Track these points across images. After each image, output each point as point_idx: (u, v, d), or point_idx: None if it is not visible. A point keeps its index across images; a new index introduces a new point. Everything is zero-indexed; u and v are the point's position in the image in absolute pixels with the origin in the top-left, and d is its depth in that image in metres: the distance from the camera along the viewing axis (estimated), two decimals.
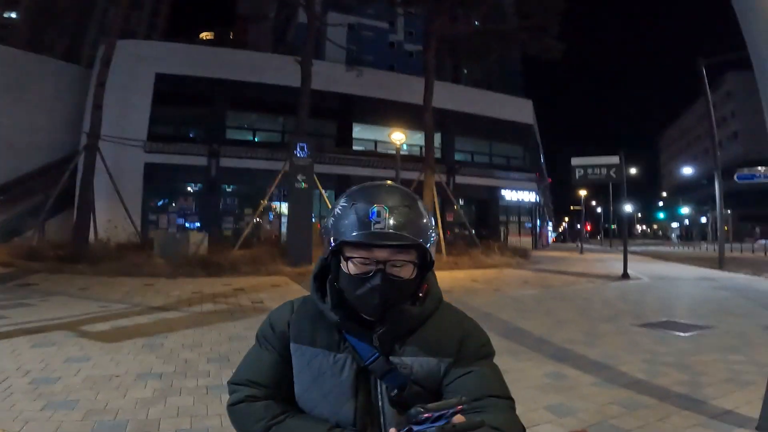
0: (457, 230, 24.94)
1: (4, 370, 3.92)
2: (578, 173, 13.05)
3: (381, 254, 1.03)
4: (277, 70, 20.88)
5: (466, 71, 31.32)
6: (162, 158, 20.40)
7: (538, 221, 32.96)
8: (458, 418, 0.84)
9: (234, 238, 17.46)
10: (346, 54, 23.72)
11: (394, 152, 15.04)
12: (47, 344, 4.84)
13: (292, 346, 1.13)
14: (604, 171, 12.99)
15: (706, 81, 16.38)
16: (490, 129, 27.55)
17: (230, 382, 1.16)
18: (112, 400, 3.39)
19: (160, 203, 21.93)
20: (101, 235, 15.45)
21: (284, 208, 19.17)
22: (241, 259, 13.29)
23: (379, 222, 1.02)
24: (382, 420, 1.07)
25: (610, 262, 19.25)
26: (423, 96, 18.12)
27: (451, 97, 25.27)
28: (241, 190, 22.72)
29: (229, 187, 22.67)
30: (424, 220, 1.08)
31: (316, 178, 14.89)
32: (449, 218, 25.21)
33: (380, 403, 1.07)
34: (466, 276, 13.20)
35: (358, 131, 25.15)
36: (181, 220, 21.57)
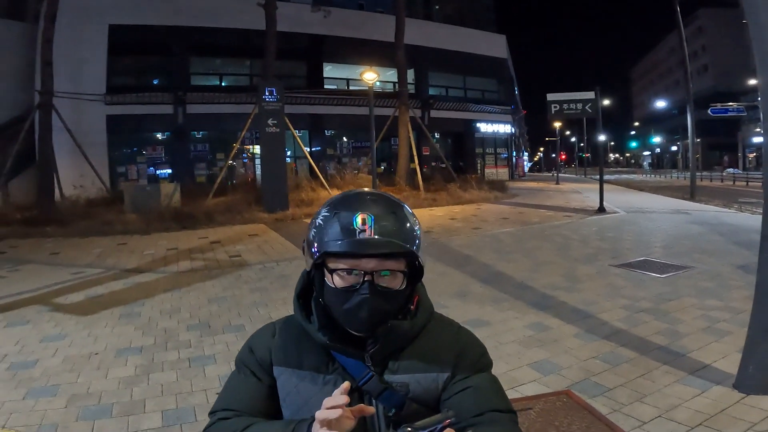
0: (434, 164, 24.98)
1: None
2: (554, 108, 12.94)
3: (368, 264, 0.97)
4: (240, 13, 19.99)
5: (437, 7, 30.35)
6: (124, 109, 19.61)
7: (513, 152, 33.18)
8: None
9: (208, 185, 17.20)
10: None
11: (366, 89, 14.66)
12: (21, 322, 4.74)
13: (276, 369, 1.07)
14: (579, 106, 12.89)
15: (680, 16, 16.41)
16: (463, 64, 27.50)
17: (209, 413, 1.10)
18: (94, 381, 3.36)
19: (127, 155, 21.26)
20: (68, 194, 14.99)
21: (258, 149, 18.86)
22: (216, 209, 13.14)
23: (363, 230, 0.96)
24: None
25: (586, 192, 19.55)
26: (394, 34, 17.52)
27: (423, 33, 24.93)
28: (211, 136, 22.20)
29: (198, 133, 22.12)
30: (410, 226, 1.02)
31: (287, 120, 14.54)
32: (425, 152, 25.20)
33: (377, 425, 1.02)
34: (445, 213, 13.30)
35: (329, 70, 24.51)
36: (151, 170, 21.10)
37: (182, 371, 3.53)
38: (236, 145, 16.64)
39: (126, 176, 20.41)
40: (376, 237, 0.96)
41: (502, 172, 29.56)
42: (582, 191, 20.94)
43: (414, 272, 1.06)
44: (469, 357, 1.09)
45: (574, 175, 43.56)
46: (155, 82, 21.63)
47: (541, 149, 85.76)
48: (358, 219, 0.97)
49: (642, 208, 14.08)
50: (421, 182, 17.51)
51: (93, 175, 15.94)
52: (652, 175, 42.66)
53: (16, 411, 2.93)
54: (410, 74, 24.61)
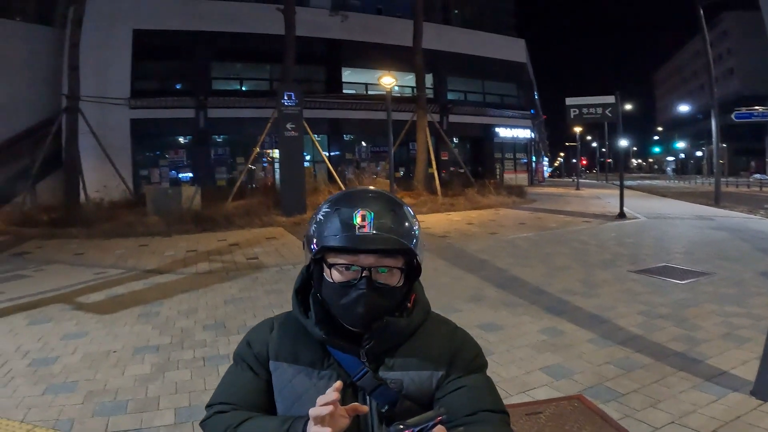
0: (452, 169, 24.90)
1: (4, 353, 3.96)
2: (573, 113, 12.81)
3: (366, 260, 0.99)
4: (260, 18, 20.33)
5: (456, 12, 30.27)
6: (148, 113, 20.03)
7: (533, 157, 32.88)
8: (439, 430, 0.82)
9: (229, 188, 17.42)
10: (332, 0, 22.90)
11: (385, 94, 14.75)
12: (44, 320, 4.87)
13: (272, 364, 1.08)
14: (599, 110, 12.74)
15: (704, 19, 16.13)
16: (482, 68, 27.38)
17: (206, 406, 1.12)
18: (111, 378, 3.44)
19: (150, 158, 21.69)
20: (92, 196, 15.34)
21: (277, 153, 19.06)
22: (235, 212, 13.29)
23: (363, 226, 0.97)
24: None
25: (607, 198, 19.28)
26: (412, 38, 17.57)
27: (441, 37, 24.93)
28: (232, 140, 22.52)
29: (219, 137, 22.45)
30: (409, 225, 1.03)
31: (306, 124, 14.66)
32: (444, 157, 25.16)
33: (370, 420, 1.03)
34: (462, 218, 13.25)
35: (348, 75, 24.65)
36: (173, 173, 21.48)
37: (196, 370, 3.59)
38: (256, 149, 16.83)
39: (149, 179, 20.81)
40: (375, 233, 0.97)
41: (522, 178, 29.28)
42: (602, 197, 20.65)
43: (412, 270, 1.07)
44: (464, 357, 1.09)
45: (595, 181, 42.94)
46: (178, 86, 22.05)
47: (562, 154, 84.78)
48: (358, 215, 0.98)
49: (664, 213, 13.83)
50: (438, 187, 17.47)
51: (117, 177, 16.27)
52: (676, 181, 41.80)
53: (34, 406, 3.01)
54: (429, 79, 24.59)
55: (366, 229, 0.97)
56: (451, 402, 1.02)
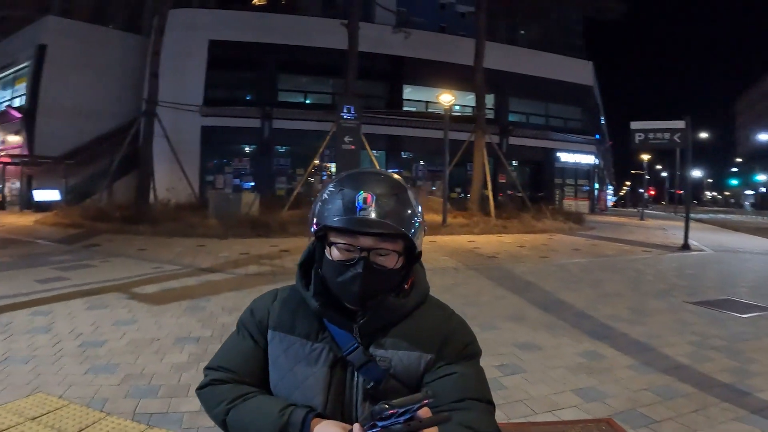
0: (509, 192, 24.41)
1: (59, 333, 4.27)
2: (638, 137, 12.27)
3: (365, 242, 1.01)
4: (327, 33, 20.85)
5: (523, 32, 29.84)
6: (217, 121, 21.12)
7: (596, 184, 31.59)
8: (425, 412, 0.83)
9: (287, 197, 17.93)
10: (396, 16, 23.21)
11: (443, 113, 14.79)
12: (101, 306, 5.21)
13: (270, 333, 1.12)
14: (667, 136, 12.13)
15: None
16: (546, 90, 26.57)
17: (204, 368, 1.16)
18: (150, 364, 3.63)
19: (216, 165, 22.74)
20: (161, 197, 16.27)
21: (334, 167, 19.45)
22: (290, 220, 13.65)
23: (364, 209, 1.00)
24: (355, 414, 1.05)
25: (672, 230, 18.24)
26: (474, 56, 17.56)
27: (505, 57, 24.58)
28: (294, 151, 23.14)
29: (281, 148, 23.16)
30: (410, 211, 1.05)
31: (364, 139, 14.90)
32: (501, 180, 24.73)
33: (355, 397, 1.05)
34: (514, 241, 12.96)
35: (409, 92, 24.87)
36: (236, 181, 22.37)
37: None
38: (315, 161, 17.26)
39: (213, 185, 21.81)
40: (374, 216, 0.99)
41: (582, 205, 28.09)
42: (668, 228, 19.55)
43: (412, 254, 1.08)
44: (455, 343, 1.10)
45: (662, 213, 40.71)
46: (247, 96, 23.07)
47: (628, 183, 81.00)
48: (360, 197, 1.00)
49: (733, 247, 12.99)
50: (492, 208, 17.18)
51: (184, 181, 17.17)
52: (754, 216, 38.83)
53: (75, 384, 3.22)
54: (490, 99, 24.37)
55: (366, 212, 0.99)
56: (438, 387, 1.02)
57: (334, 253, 1.04)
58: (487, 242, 12.36)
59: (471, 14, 25.39)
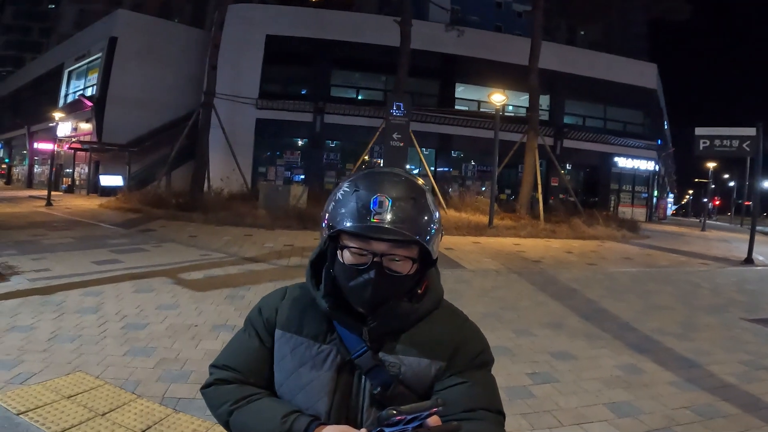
0: (561, 196, 23.68)
1: (106, 314, 4.49)
2: (703, 144, 11.58)
3: (379, 247, 0.97)
4: (380, 30, 20.96)
5: (582, 33, 28.75)
6: (271, 114, 21.66)
7: (655, 192, 30.06)
8: (434, 420, 0.81)
9: None
10: (450, 14, 22.95)
11: (494, 112, 14.52)
12: (147, 290, 5.45)
13: (277, 332, 1.10)
14: (735, 143, 11.38)
15: None
16: (605, 92, 25.50)
17: (210, 365, 1.14)
18: (185, 349, 3.76)
19: (269, 157, 23.34)
20: (215, 186, 16.86)
21: (382, 163, 19.53)
22: None
23: (379, 213, 0.95)
24: (360, 419, 1.02)
25: (736, 243, 17.16)
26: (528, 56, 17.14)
27: (561, 58, 23.87)
28: (344, 146, 23.43)
29: (332, 142, 23.47)
30: (427, 217, 1.00)
31: (412, 136, 14.86)
32: (554, 183, 24.04)
33: (361, 401, 1.03)
34: (562, 246, 12.56)
35: (461, 91, 24.57)
36: (287, 173, 22.90)
37: None
38: (364, 157, 17.39)
39: (265, 176, 22.43)
40: (387, 223, 0.95)
41: (639, 212, 26.83)
42: (731, 241, 18.39)
43: (427, 258, 1.04)
44: (467, 351, 1.06)
45: (727, 224, 38.32)
46: (301, 91, 23.52)
47: (690, 191, 76.64)
48: (375, 201, 0.96)
49: None
50: (542, 212, 16.71)
51: (237, 171, 17.72)
52: None
53: (113, 365, 3.38)
54: (545, 100, 23.74)
55: (381, 217, 0.95)
56: (448, 396, 0.99)
57: (346, 257, 1.00)
58: (533, 246, 12.04)
59: (527, 13, 24.77)
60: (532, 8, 18.73)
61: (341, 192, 1.02)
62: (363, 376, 1.03)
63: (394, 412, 0.78)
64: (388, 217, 0.95)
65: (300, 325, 1.08)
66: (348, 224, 0.97)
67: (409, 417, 0.78)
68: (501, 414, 1.02)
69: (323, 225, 1.03)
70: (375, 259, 0.97)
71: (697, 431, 2.89)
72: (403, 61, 16.34)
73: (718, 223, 39.31)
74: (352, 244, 0.99)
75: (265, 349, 1.10)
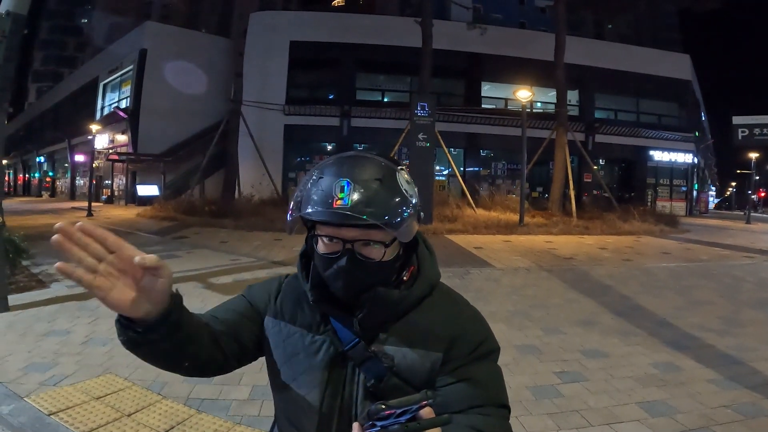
0: (595, 192, 23.11)
1: None
2: (741, 133, 11.14)
3: (349, 233, 0.93)
4: (403, 32, 20.91)
5: (611, 26, 28.03)
6: (299, 120, 21.92)
7: (695, 185, 28.97)
8: (427, 413, 0.79)
9: None
10: (473, 13, 22.75)
11: (521, 110, 14.31)
12: None
13: (271, 320, 1.08)
14: None
15: None
16: (637, 85, 24.83)
17: None
18: None
19: (298, 162, 23.62)
20: (245, 193, 17.18)
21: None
22: None
23: (341, 198, 0.90)
24: (354, 411, 0.99)
25: None
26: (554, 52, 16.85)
27: (589, 52, 23.39)
28: (371, 149, 23.20)
29: (360, 145, 23.45)
30: (398, 198, 0.94)
31: (439, 136, 14.79)
32: (587, 179, 23.50)
33: (355, 393, 1.00)
34: (596, 242, 12.28)
35: (488, 89, 24.30)
36: None
37: None
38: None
39: (295, 182, 22.64)
40: (350, 210, 0.89)
41: (678, 207, 25.88)
42: None
43: (410, 242, 1.00)
44: (465, 342, 1.01)
45: None
46: (327, 95, 23.71)
47: (733, 184, 73.63)
48: (337, 186, 0.91)
49: None
50: (574, 209, 16.35)
51: (267, 177, 18.02)
52: None
53: (141, 367, 3.42)
54: (574, 96, 23.32)
55: (342, 202, 0.89)
56: (449, 393, 0.96)
57: (320, 246, 0.97)
58: (565, 243, 11.79)
59: (550, 8, 24.34)
60: (555, 2, 18.41)
61: (308, 179, 0.97)
62: (357, 369, 1.00)
63: (383, 406, 0.76)
64: (351, 200, 0.89)
65: (293, 314, 1.06)
66: (309, 210, 0.92)
67: (398, 410, 0.76)
68: (505, 407, 0.98)
69: (288, 215, 0.98)
70: (346, 246, 0.93)
71: (737, 431, 2.77)
72: (425, 61, 16.27)
73: (764, 215, 37.62)
74: (323, 233, 0.96)
75: (249, 319, 1.08)
